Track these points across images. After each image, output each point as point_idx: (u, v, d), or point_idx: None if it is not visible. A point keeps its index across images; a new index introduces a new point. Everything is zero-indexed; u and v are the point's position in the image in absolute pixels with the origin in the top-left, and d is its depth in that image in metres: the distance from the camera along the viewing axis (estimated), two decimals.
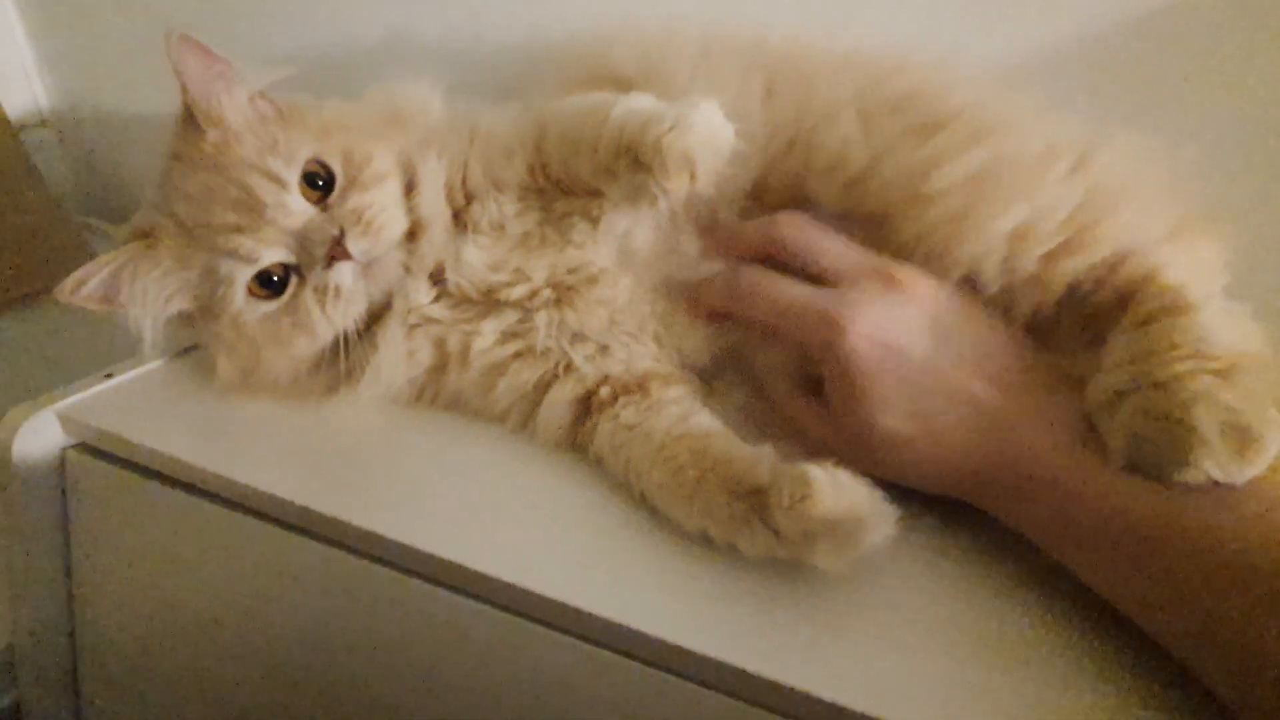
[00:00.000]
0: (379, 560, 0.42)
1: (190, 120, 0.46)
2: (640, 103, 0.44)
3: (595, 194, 0.47)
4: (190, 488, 0.47)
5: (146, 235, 0.46)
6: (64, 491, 0.52)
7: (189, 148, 0.46)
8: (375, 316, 0.48)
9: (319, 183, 0.46)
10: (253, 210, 0.44)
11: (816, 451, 0.38)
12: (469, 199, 0.49)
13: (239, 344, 0.47)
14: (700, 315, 0.48)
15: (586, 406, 0.46)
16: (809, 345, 0.42)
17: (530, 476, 0.46)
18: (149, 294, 0.46)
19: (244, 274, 0.45)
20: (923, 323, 0.40)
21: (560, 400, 0.46)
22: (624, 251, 0.48)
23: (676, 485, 0.40)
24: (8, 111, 0.89)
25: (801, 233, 0.44)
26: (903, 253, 0.43)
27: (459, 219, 0.49)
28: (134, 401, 0.52)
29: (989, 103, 0.45)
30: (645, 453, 0.42)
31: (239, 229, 0.44)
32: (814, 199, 0.46)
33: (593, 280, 0.47)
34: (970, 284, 0.42)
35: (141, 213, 0.48)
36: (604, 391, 0.46)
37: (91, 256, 0.47)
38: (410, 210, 0.47)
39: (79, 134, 0.97)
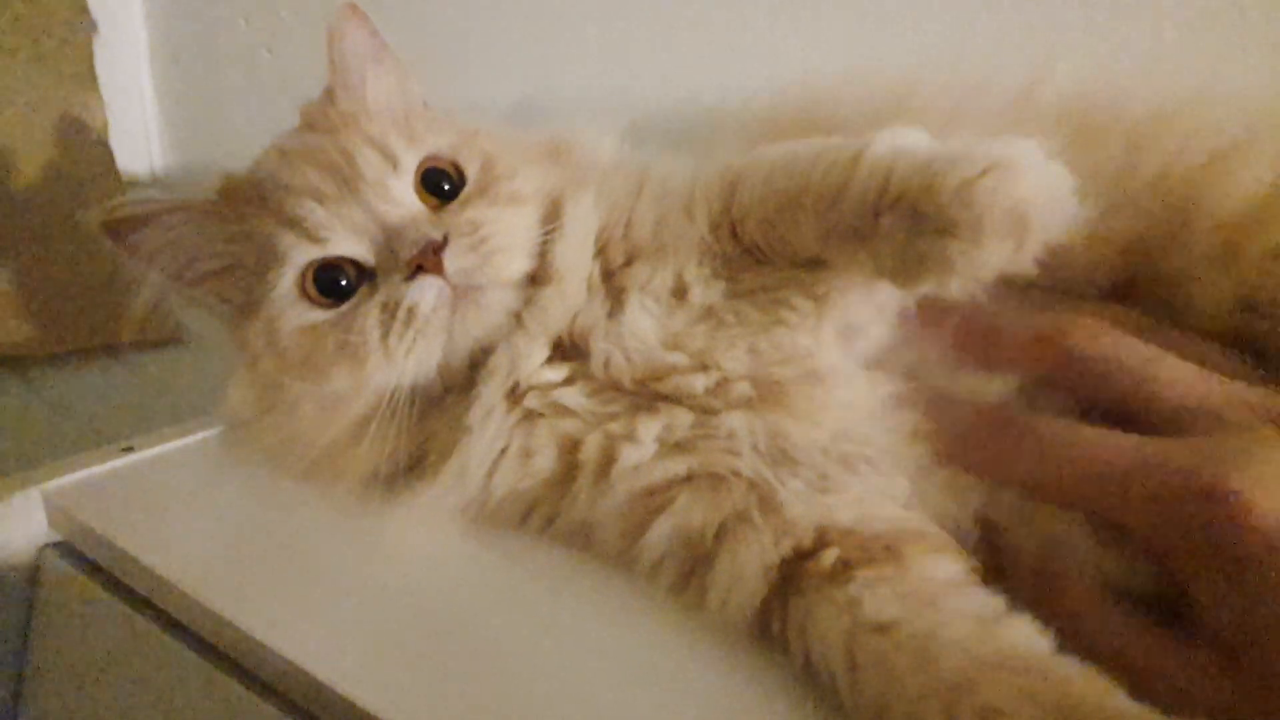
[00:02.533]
0: None
1: (329, 93, 0.41)
2: (914, 139, 0.30)
3: (809, 265, 0.33)
4: (184, 631, 0.32)
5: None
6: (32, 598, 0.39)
7: (315, 115, 0.40)
8: (459, 382, 0.35)
9: (444, 187, 0.37)
10: (346, 182, 0.35)
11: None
12: (630, 258, 0.36)
13: (264, 357, 0.37)
14: (971, 471, 0.31)
15: (793, 575, 0.30)
16: (1160, 526, 0.27)
17: (689, 666, 0.29)
18: (182, 247, 0.37)
19: (302, 256, 0.35)
20: None
21: (752, 562, 0.30)
22: (849, 344, 0.33)
23: None
24: (121, 166, 0.86)
25: (1127, 351, 0.30)
26: None
27: (611, 281, 0.36)
28: (144, 490, 0.40)
29: None
30: (927, 685, 0.25)
31: (319, 196, 0.35)
32: (1176, 297, 0.31)
33: (814, 378, 0.32)
34: None
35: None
36: (828, 556, 0.29)
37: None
38: (542, 251, 0.36)
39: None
